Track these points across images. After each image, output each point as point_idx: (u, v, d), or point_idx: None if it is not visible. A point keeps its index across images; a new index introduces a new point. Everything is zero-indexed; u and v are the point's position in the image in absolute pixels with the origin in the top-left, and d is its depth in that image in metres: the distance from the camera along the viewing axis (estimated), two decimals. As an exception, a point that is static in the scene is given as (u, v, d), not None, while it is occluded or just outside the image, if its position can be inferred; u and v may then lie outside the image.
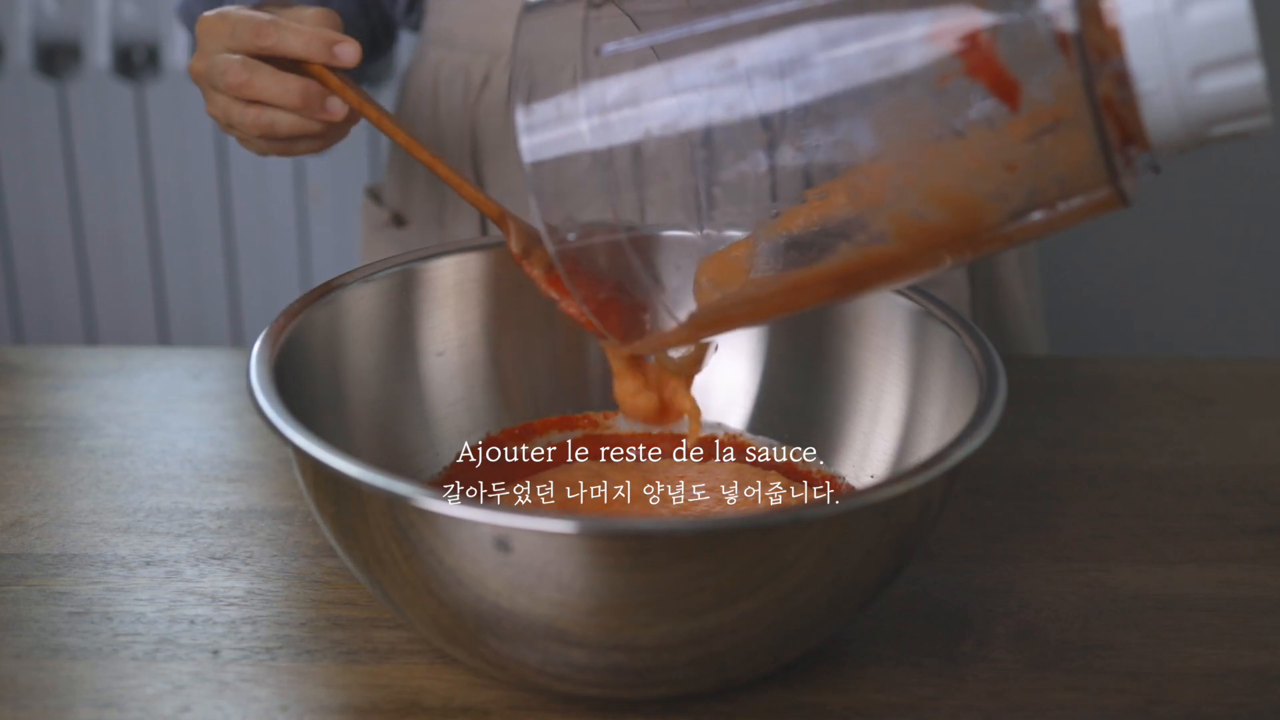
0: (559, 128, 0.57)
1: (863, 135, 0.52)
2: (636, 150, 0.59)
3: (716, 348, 0.68)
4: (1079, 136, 0.47)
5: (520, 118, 0.57)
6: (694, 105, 0.56)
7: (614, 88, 0.57)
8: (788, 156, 0.58)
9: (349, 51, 0.70)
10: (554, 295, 0.65)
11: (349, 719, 0.57)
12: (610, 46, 0.58)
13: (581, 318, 0.63)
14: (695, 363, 0.67)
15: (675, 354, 0.66)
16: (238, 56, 0.70)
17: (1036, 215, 0.49)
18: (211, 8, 0.86)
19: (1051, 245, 1.60)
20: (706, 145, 0.60)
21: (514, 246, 0.66)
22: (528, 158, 0.57)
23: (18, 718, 0.57)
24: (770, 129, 0.55)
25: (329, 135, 0.73)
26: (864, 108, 0.51)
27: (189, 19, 0.91)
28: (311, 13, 0.72)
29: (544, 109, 0.57)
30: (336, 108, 0.71)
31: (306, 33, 0.70)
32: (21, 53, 1.64)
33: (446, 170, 0.68)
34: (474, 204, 0.68)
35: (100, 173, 1.68)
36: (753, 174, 0.59)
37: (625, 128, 0.57)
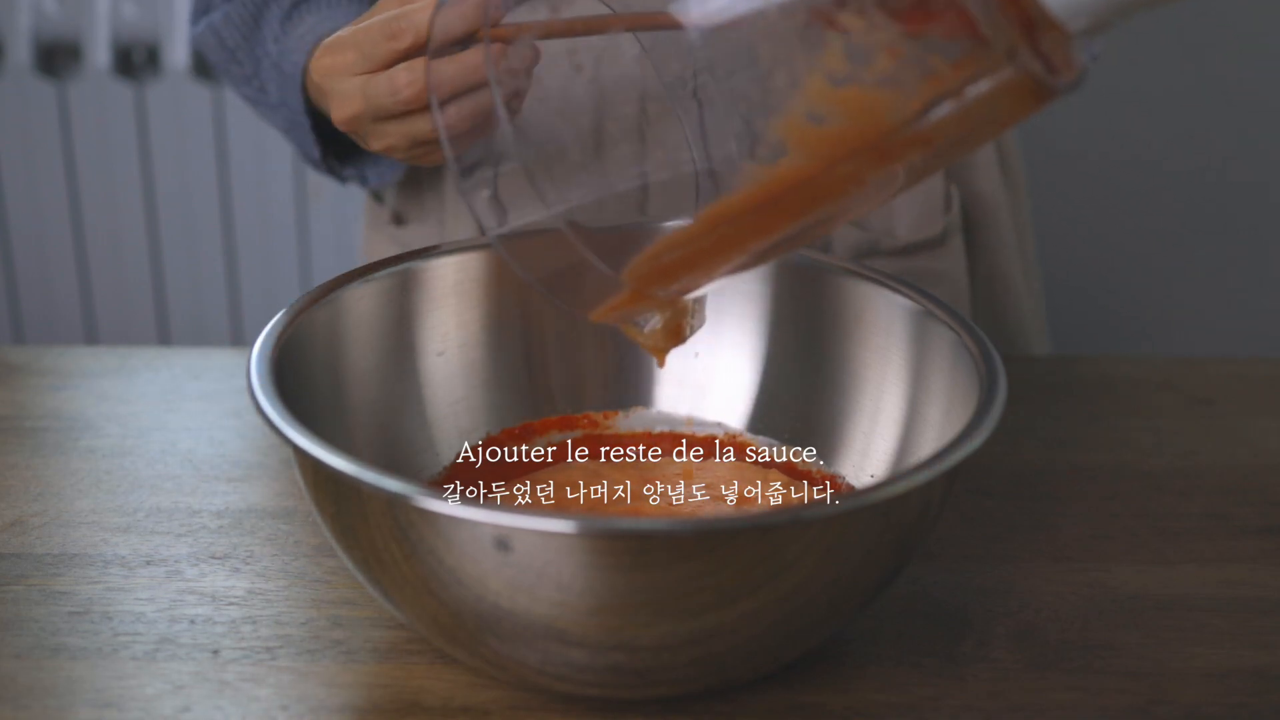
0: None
1: (742, 49, 0.49)
2: (547, 111, 0.57)
3: (697, 324, 0.64)
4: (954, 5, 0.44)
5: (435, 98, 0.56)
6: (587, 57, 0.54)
7: (513, 51, 0.56)
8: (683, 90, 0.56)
9: None
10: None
11: (349, 719, 0.57)
12: (509, 16, 0.57)
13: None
14: (670, 335, 0.63)
15: (646, 327, 0.63)
16: (398, 66, 0.62)
17: (945, 107, 0.46)
18: (250, 32, 0.83)
19: (1052, 245, 1.60)
20: (602, 97, 0.58)
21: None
22: (446, 138, 0.55)
23: (18, 718, 0.57)
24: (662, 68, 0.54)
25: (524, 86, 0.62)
26: (735, 18, 0.49)
27: (218, 51, 0.84)
28: None
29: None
30: (527, 52, 0.60)
31: (452, 3, 0.60)
32: (21, 53, 1.64)
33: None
34: None
35: (100, 173, 1.68)
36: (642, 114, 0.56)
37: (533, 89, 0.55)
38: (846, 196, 0.51)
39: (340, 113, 0.66)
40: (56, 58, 1.65)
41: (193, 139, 1.67)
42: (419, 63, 0.62)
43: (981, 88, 0.45)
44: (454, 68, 0.61)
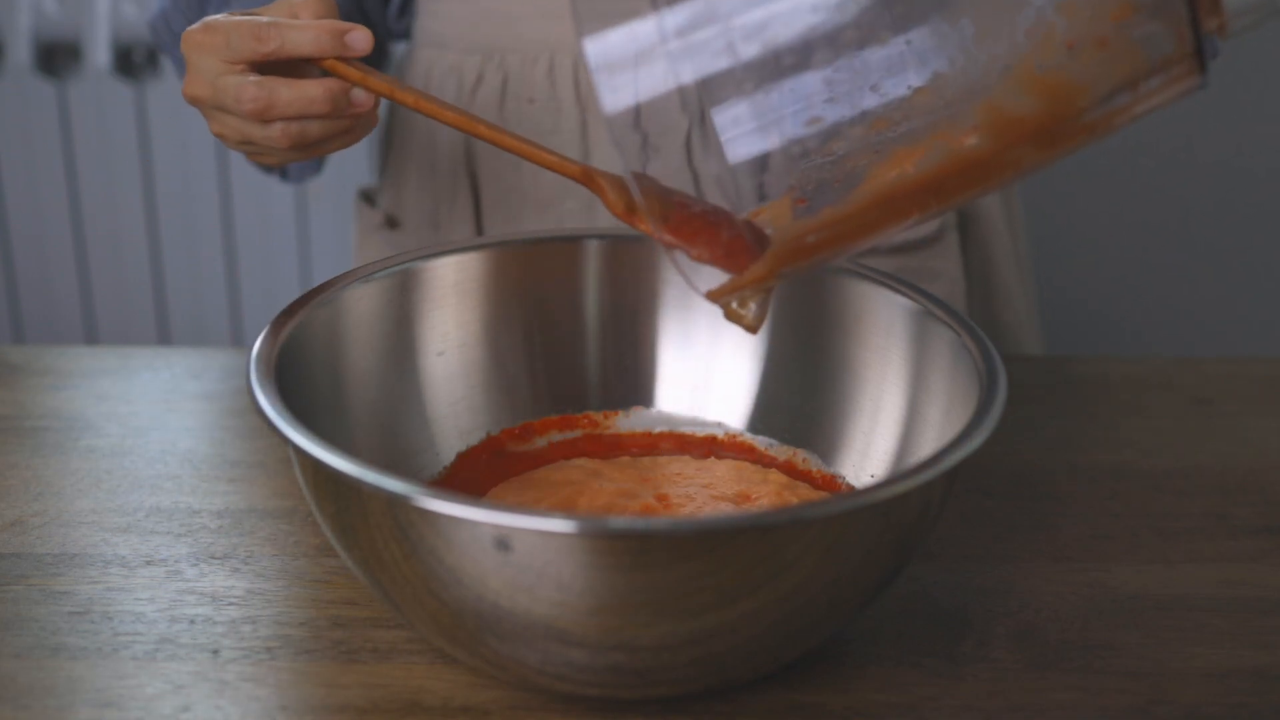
0: (634, 64, 0.53)
1: (954, 28, 0.51)
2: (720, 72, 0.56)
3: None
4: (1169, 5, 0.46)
5: (592, 52, 0.53)
6: (777, 17, 0.54)
7: (689, 6, 0.54)
8: (879, 62, 0.55)
9: (361, 39, 0.66)
10: (672, 241, 0.60)
11: (349, 719, 0.57)
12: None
13: (714, 259, 0.59)
14: (758, 319, 0.63)
15: (745, 311, 0.62)
16: (251, 78, 0.65)
17: (1122, 98, 0.48)
18: (195, 19, 0.85)
19: (1051, 245, 1.60)
20: (791, 60, 0.58)
21: (614, 205, 0.62)
22: (606, 100, 0.53)
23: (18, 718, 0.57)
24: (861, 35, 0.54)
25: (357, 128, 0.69)
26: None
27: (167, 36, 0.86)
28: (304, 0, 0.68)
29: (617, 40, 0.53)
30: (363, 99, 0.66)
31: (312, 27, 0.66)
32: (21, 53, 1.64)
33: (513, 140, 0.64)
34: (553, 169, 0.64)
35: (100, 173, 1.68)
36: (848, 87, 0.56)
37: (707, 51, 0.54)
38: (999, 181, 0.52)
39: (190, 89, 0.68)
40: (56, 58, 1.65)
41: (193, 139, 1.66)
42: (270, 81, 0.65)
43: (1154, 83, 0.47)
44: (290, 93, 0.65)
